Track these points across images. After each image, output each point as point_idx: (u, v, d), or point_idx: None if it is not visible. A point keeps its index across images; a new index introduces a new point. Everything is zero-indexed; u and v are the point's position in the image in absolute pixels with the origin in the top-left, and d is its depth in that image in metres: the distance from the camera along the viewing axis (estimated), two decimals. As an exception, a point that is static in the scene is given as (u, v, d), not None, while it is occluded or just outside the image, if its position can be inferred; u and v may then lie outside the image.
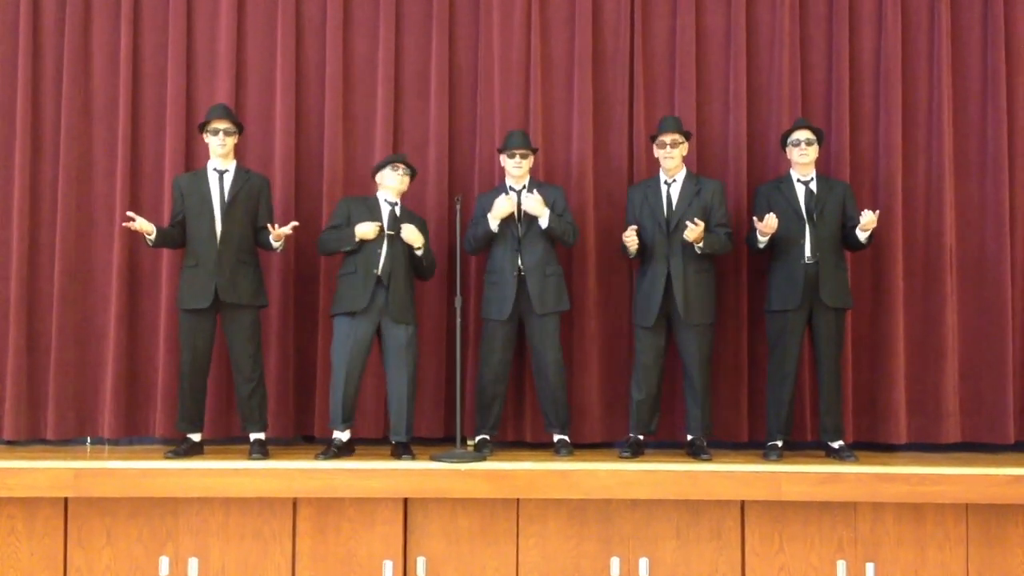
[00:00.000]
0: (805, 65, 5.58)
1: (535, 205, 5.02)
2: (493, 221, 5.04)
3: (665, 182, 5.11)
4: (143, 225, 4.85)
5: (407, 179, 5.09)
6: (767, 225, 4.89)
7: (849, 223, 5.05)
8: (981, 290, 5.47)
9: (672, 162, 5.08)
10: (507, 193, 5.11)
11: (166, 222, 5.18)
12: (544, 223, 5.03)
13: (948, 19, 5.53)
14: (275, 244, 4.95)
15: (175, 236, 4.99)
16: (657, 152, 5.13)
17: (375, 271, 4.89)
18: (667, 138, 5.07)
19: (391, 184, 5.03)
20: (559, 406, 5.12)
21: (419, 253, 4.97)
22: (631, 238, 4.97)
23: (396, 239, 4.94)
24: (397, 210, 5.02)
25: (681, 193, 5.07)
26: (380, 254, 4.91)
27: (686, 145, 5.13)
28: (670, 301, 4.97)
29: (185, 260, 4.98)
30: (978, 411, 5.41)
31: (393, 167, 5.03)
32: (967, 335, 5.46)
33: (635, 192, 5.19)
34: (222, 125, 5.00)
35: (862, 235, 4.95)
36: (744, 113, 5.52)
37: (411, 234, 4.94)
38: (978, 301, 5.47)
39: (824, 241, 4.97)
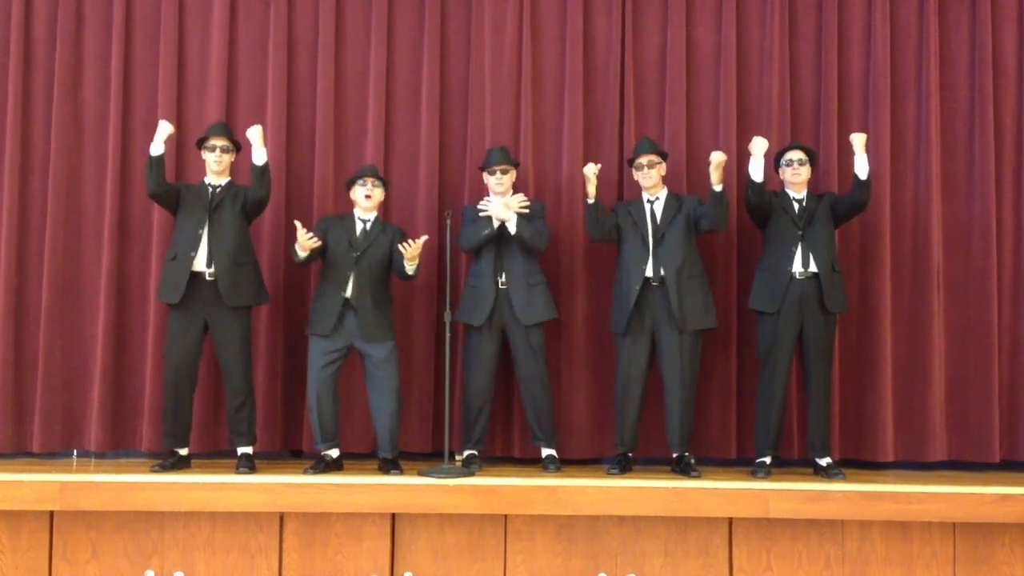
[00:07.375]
0: (795, 82, 5.60)
1: (500, 210, 5.02)
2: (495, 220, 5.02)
3: (648, 200, 5.14)
4: None
5: (378, 191, 5.08)
6: (756, 143, 4.95)
7: (842, 198, 5.10)
8: (968, 308, 5.49)
9: (650, 181, 5.10)
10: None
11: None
12: (512, 229, 5.02)
13: (937, 39, 5.57)
14: (408, 267, 4.91)
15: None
16: (636, 175, 5.16)
17: (343, 294, 4.90)
18: (644, 159, 5.10)
19: (358, 201, 5.05)
20: (543, 418, 5.11)
21: (411, 271, 4.94)
22: (591, 170, 4.98)
23: (363, 259, 4.95)
24: (368, 226, 5.02)
25: (664, 209, 5.10)
26: (348, 277, 4.92)
27: (663, 165, 5.15)
28: (657, 308, 4.96)
29: (168, 252, 4.97)
30: (964, 429, 5.43)
31: (361, 183, 5.04)
32: (953, 353, 5.48)
33: (619, 208, 5.21)
34: (220, 142, 5.00)
35: (861, 171, 4.96)
36: (734, 129, 5.53)
37: (412, 254, 4.87)
38: (965, 319, 5.49)
39: (817, 251, 4.96)
